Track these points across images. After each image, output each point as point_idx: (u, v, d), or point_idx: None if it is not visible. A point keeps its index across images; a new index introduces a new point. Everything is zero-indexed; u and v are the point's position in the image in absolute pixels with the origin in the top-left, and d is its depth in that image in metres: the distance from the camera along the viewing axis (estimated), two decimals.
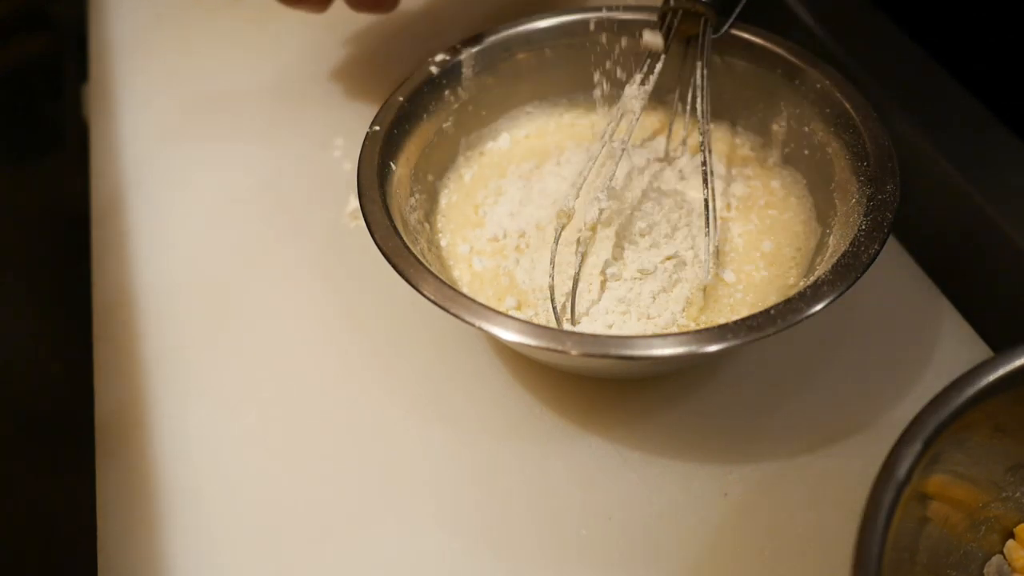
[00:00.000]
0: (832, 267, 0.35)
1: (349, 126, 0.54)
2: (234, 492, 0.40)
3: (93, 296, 0.47)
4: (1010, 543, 0.35)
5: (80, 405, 0.43)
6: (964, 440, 0.32)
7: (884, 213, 0.37)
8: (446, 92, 0.45)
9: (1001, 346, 0.35)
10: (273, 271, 0.48)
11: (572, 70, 0.48)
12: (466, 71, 0.46)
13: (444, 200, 0.46)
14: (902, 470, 0.30)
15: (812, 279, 0.36)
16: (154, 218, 0.51)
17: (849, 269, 0.35)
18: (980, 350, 0.43)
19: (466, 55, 0.45)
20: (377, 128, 0.42)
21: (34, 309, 0.50)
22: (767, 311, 0.34)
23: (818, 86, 0.43)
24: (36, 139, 0.60)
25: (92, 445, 0.41)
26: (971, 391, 0.32)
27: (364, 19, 0.63)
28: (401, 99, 0.44)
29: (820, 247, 0.41)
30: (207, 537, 0.38)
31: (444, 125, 0.46)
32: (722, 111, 0.48)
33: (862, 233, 0.36)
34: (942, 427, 0.31)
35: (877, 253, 0.36)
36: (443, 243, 0.44)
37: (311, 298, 0.47)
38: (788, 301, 0.35)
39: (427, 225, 0.44)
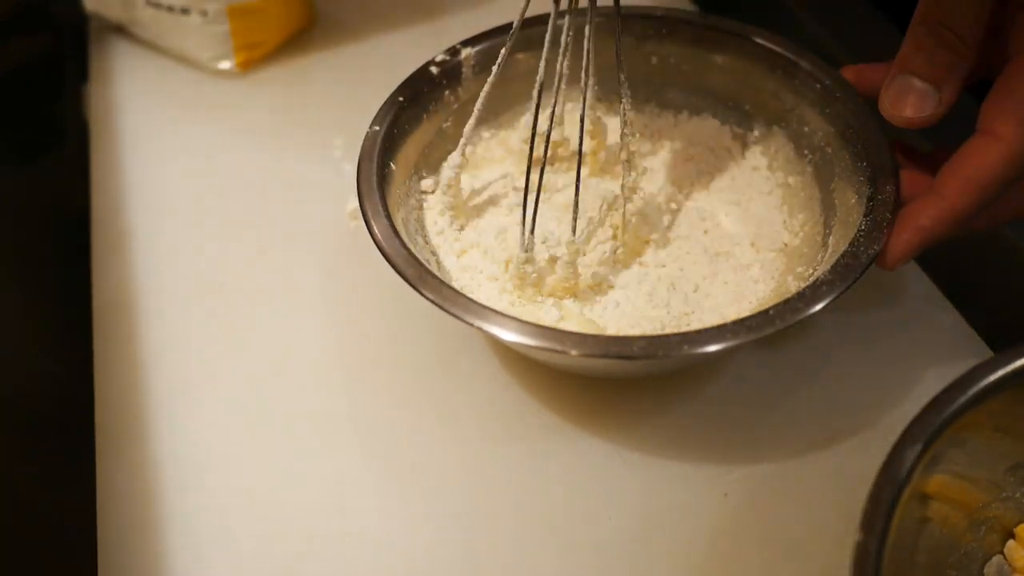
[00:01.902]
0: (831, 267, 0.35)
1: (349, 126, 0.54)
2: (234, 492, 0.40)
3: (93, 296, 0.47)
4: (1010, 543, 0.35)
5: (80, 405, 0.43)
6: (964, 440, 0.32)
7: (883, 213, 0.37)
8: (446, 92, 0.45)
9: (1001, 346, 0.35)
10: (273, 271, 0.48)
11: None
12: (466, 71, 0.46)
13: None
14: (902, 470, 0.30)
15: (811, 280, 0.36)
16: (154, 218, 0.51)
17: (848, 269, 0.35)
18: (980, 350, 0.43)
19: (466, 55, 0.45)
20: (377, 128, 0.42)
21: (34, 309, 0.50)
22: (765, 311, 0.34)
23: (818, 86, 0.43)
24: (36, 139, 0.59)
25: (92, 445, 0.41)
26: (971, 391, 0.32)
27: (364, 20, 0.63)
28: (401, 99, 0.43)
29: (820, 247, 0.41)
30: (207, 537, 0.38)
31: (444, 125, 0.46)
32: (722, 112, 0.48)
33: (861, 233, 0.36)
34: (942, 427, 0.31)
35: (876, 254, 0.36)
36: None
37: (311, 298, 0.47)
38: (787, 301, 0.35)
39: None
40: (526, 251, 0.40)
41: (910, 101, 0.36)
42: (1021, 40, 0.35)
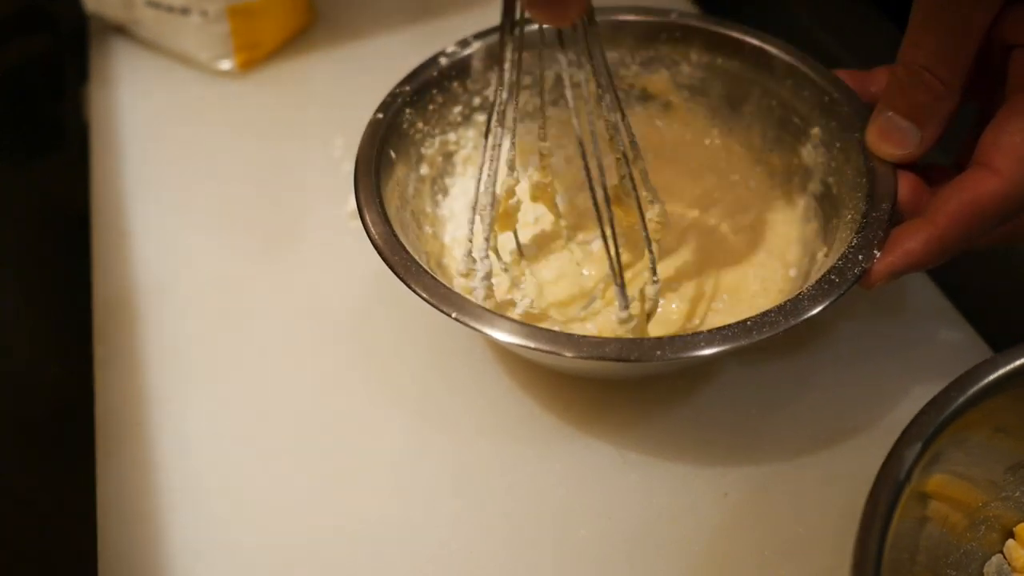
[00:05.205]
0: (816, 283, 0.35)
1: (349, 126, 0.54)
2: (233, 492, 0.40)
3: (93, 296, 0.47)
4: (1010, 543, 0.35)
5: (80, 405, 0.43)
6: (964, 440, 0.33)
7: (876, 231, 0.36)
8: (454, 84, 0.45)
9: (1001, 346, 0.35)
10: (273, 271, 0.48)
11: None
12: (476, 64, 0.45)
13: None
14: (902, 470, 0.30)
15: (795, 294, 0.36)
16: (154, 218, 0.51)
17: (833, 286, 0.35)
18: (980, 350, 0.43)
19: (476, 48, 0.45)
20: (380, 115, 0.42)
21: (34, 309, 0.50)
22: (744, 322, 0.34)
23: (826, 99, 0.42)
24: (36, 139, 0.59)
25: (92, 445, 0.41)
26: (971, 391, 0.32)
27: (364, 20, 0.63)
28: (408, 88, 0.43)
29: (813, 260, 0.41)
30: (207, 536, 0.38)
31: (451, 115, 0.45)
32: (722, 117, 0.48)
33: (851, 250, 0.36)
34: (942, 427, 0.31)
35: (863, 272, 0.35)
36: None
37: (310, 297, 0.47)
38: (766, 314, 0.34)
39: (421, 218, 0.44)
40: (627, 308, 0.38)
41: (894, 139, 0.37)
42: (1017, 78, 0.35)
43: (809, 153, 0.44)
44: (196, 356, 0.45)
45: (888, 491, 0.29)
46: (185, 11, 0.57)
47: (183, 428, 0.42)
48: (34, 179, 0.57)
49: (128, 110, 0.58)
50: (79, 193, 0.53)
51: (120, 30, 0.62)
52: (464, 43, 0.45)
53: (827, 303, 0.34)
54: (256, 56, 0.59)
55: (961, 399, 0.31)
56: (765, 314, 0.34)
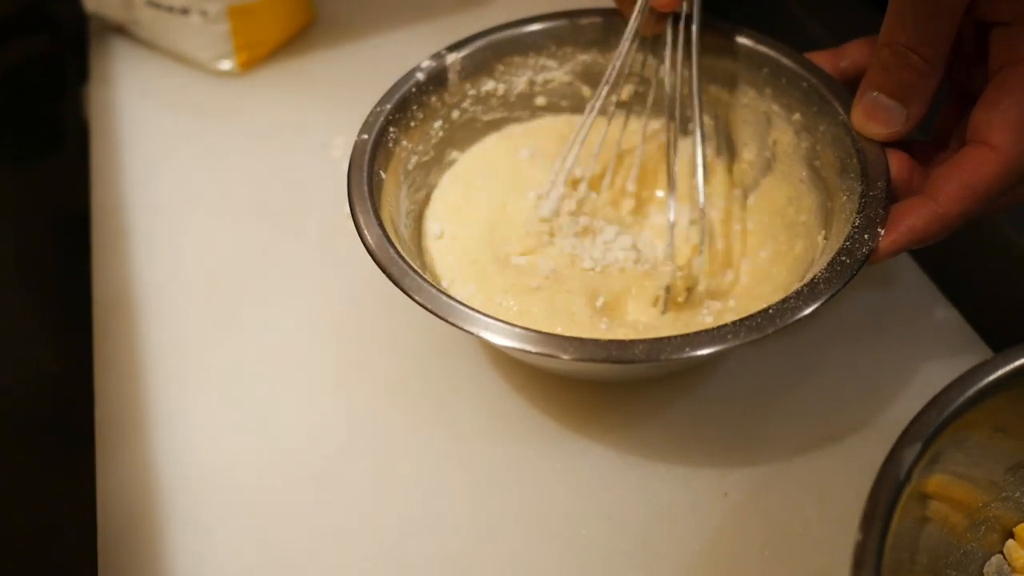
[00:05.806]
0: (827, 265, 0.35)
1: (349, 126, 0.54)
2: (233, 492, 0.40)
3: (93, 295, 0.47)
4: (1010, 543, 0.35)
5: (80, 405, 0.43)
6: (964, 440, 0.32)
7: (876, 209, 0.37)
8: (433, 98, 0.45)
9: (1001, 346, 0.35)
10: (272, 271, 0.48)
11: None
12: (452, 76, 0.45)
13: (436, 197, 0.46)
14: (902, 470, 0.30)
15: (808, 278, 0.36)
16: (154, 218, 0.51)
17: (845, 267, 0.35)
18: (980, 350, 0.43)
19: (452, 60, 0.45)
20: (365, 136, 0.42)
21: (34, 308, 0.50)
22: (765, 310, 0.34)
23: (804, 84, 0.42)
24: (36, 139, 0.59)
25: (92, 445, 0.41)
26: (971, 391, 0.32)
27: (364, 20, 0.63)
28: (388, 106, 0.43)
29: (815, 245, 0.41)
30: (207, 537, 0.38)
31: (432, 130, 0.46)
32: (715, 111, 0.48)
33: (856, 230, 0.36)
34: (942, 427, 0.31)
35: (871, 251, 0.36)
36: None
37: (310, 298, 0.47)
38: (785, 300, 0.34)
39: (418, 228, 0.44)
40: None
41: (880, 118, 0.38)
42: (1001, 55, 0.36)
43: (791, 139, 0.44)
44: (196, 356, 0.45)
45: (888, 491, 0.29)
46: (185, 11, 0.57)
47: (183, 428, 0.42)
48: (34, 179, 0.57)
49: (128, 110, 0.58)
50: (79, 193, 0.53)
51: (120, 30, 0.62)
52: (439, 56, 0.45)
53: (842, 284, 0.35)
54: (256, 56, 0.59)
55: (961, 399, 0.31)
56: (784, 301, 0.35)
